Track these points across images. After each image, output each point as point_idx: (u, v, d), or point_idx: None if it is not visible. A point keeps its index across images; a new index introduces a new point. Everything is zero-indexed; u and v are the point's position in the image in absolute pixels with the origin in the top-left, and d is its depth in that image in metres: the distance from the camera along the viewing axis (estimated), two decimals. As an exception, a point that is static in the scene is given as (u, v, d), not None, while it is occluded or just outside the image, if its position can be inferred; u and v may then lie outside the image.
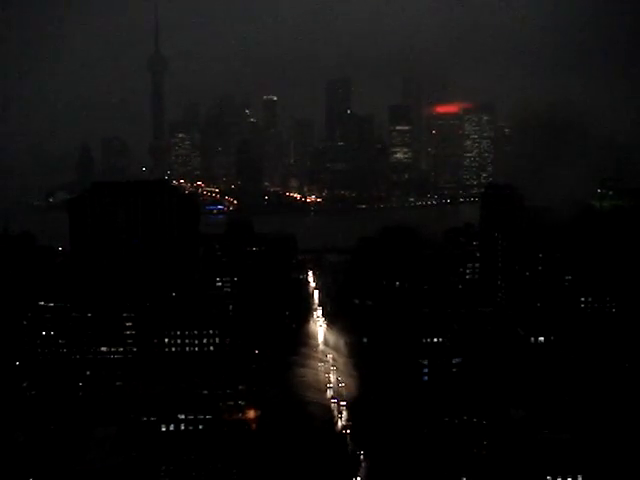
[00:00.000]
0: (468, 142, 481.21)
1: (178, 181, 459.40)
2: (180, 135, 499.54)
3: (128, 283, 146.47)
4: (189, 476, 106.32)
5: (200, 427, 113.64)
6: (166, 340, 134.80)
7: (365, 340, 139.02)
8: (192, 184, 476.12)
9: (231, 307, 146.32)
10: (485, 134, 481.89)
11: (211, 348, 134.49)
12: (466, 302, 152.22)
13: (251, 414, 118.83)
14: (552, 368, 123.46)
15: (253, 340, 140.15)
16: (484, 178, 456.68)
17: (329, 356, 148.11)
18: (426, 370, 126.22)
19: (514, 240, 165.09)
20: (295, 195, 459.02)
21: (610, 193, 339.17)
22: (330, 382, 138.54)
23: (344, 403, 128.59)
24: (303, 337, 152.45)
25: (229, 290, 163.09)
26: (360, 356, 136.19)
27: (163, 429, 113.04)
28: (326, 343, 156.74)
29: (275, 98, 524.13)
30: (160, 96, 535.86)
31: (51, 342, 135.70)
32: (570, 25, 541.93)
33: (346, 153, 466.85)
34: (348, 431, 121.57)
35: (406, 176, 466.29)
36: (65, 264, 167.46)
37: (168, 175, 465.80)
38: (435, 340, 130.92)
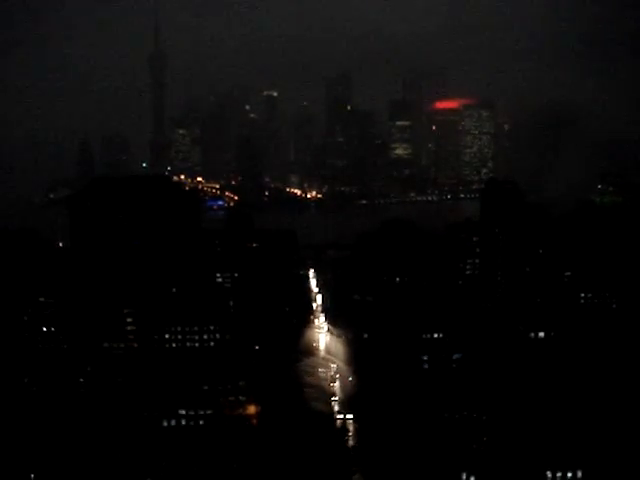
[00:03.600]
0: (468, 138, 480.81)
1: (178, 177, 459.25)
2: (180, 131, 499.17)
3: (129, 279, 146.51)
4: (190, 471, 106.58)
5: (201, 422, 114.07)
6: (167, 336, 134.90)
7: (365, 336, 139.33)
8: (192, 180, 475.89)
9: (232, 303, 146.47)
10: (485, 130, 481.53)
11: (212, 344, 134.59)
12: (466, 298, 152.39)
13: (252, 410, 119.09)
14: (552, 363, 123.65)
15: (253, 336, 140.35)
16: (484, 174, 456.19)
17: (329, 351, 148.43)
18: (426, 365, 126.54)
19: (514, 236, 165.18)
20: (295, 191, 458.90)
21: (610, 189, 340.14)
22: (330, 377, 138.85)
23: (344, 398, 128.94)
24: (303, 333, 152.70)
25: (229, 286, 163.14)
26: (360, 352, 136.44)
27: (164, 424, 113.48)
28: (326, 339, 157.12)
29: (275, 94, 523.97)
30: (160, 92, 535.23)
31: (52, 338, 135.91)
32: (570, 21, 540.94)
33: (346, 149, 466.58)
34: (348, 425, 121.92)
35: (406, 172, 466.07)
36: (65, 260, 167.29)
37: (168, 171, 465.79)
38: (435, 336, 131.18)
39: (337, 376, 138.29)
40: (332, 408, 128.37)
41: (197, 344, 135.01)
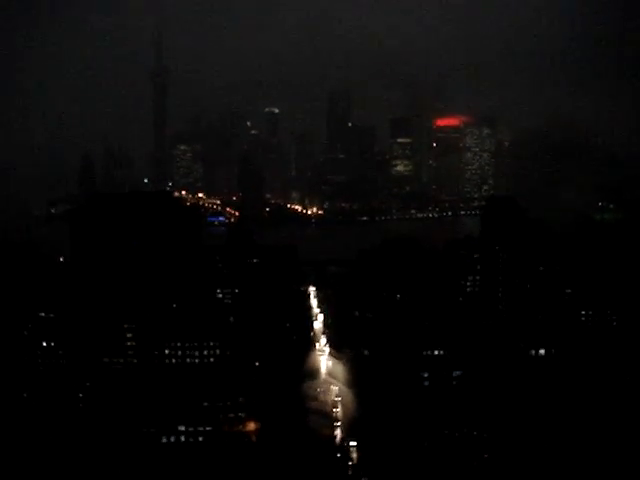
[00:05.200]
0: (469, 155, 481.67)
1: (179, 192, 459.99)
2: (182, 147, 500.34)
3: (129, 294, 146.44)
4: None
5: (200, 439, 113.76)
6: (166, 351, 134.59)
7: (365, 352, 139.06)
8: (193, 195, 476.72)
9: (232, 319, 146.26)
10: (486, 147, 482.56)
11: (211, 360, 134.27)
12: (467, 314, 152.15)
13: (251, 426, 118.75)
14: (553, 381, 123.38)
15: (254, 352, 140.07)
16: (485, 191, 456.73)
17: (329, 368, 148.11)
18: (426, 383, 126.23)
19: (515, 253, 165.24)
20: (296, 207, 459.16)
21: (611, 206, 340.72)
22: (331, 401, 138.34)
23: (343, 415, 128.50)
24: (304, 350, 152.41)
25: (230, 302, 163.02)
26: (360, 368, 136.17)
27: (163, 440, 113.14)
28: (326, 355, 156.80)
29: (277, 110, 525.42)
30: (162, 107, 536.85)
31: (51, 353, 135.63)
32: (573, 38, 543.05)
33: (347, 165, 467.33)
34: (349, 444, 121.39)
35: (407, 188, 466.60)
36: (66, 274, 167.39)
37: (169, 186, 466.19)
38: (436, 352, 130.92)
39: (338, 398, 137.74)
40: (332, 425, 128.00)
41: (197, 360, 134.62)
